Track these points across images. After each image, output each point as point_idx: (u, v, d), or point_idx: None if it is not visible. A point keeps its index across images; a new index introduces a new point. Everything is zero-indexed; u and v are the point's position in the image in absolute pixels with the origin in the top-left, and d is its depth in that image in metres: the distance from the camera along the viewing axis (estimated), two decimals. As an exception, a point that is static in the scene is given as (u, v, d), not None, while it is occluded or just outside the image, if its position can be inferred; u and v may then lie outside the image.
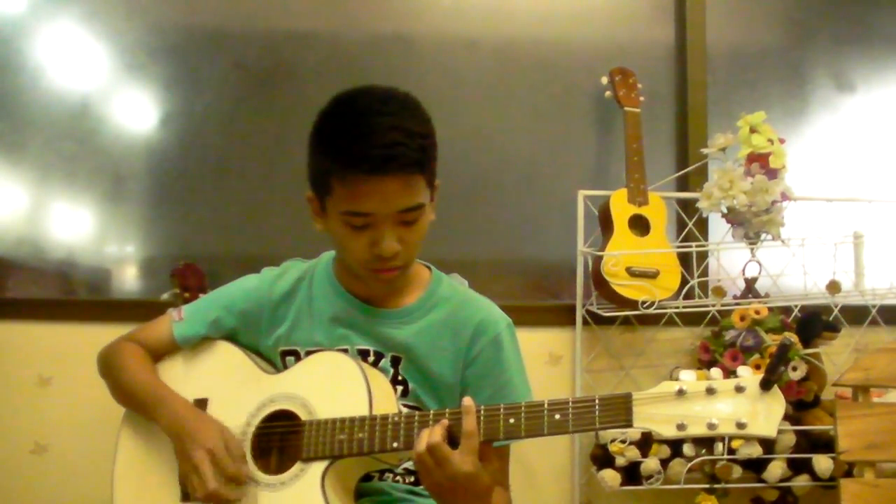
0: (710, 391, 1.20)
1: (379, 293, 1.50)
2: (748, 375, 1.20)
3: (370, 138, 1.33)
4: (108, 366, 1.59)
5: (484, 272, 2.36)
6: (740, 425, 1.17)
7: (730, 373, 2.02)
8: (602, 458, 2.11)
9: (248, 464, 1.41)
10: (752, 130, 2.12)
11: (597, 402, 1.26)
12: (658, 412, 1.21)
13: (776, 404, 1.18)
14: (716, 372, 1.24)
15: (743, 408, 1.18)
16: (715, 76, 2.50)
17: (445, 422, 1.30)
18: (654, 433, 1.21)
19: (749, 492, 2.16)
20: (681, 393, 1.20)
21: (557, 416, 1.27)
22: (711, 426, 1.18)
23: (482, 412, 1.30)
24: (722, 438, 1.97)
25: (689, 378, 1.23)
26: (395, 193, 1.35)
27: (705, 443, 2.01)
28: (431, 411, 1.36)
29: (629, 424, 1.22)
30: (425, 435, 1.29)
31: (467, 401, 1.30)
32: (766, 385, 1.18)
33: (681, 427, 1.19)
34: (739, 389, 1.19)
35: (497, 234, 2.44)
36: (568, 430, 1.27)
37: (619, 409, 1.24)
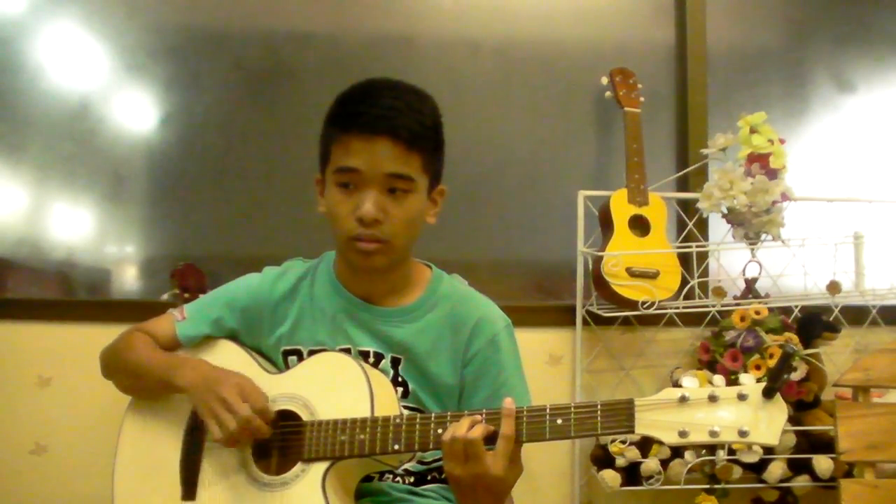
0: (713, 398, 1.20)
1: (374, 280, 1.50)
2: (751, 383, 1.20)
3: (370, 104, 1.40)
4: (117, 352, 1.59)
5: (484, 272, 2.36)
6: (742, 433, 1.17)
7: (730, 373, 2.03)
8: (602, 458, 2.11)
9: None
10: (753, 131, 2.12)
11: (599, 407, 1.26)
12: (660, 419, 1.21)
13: (778, 412, 1.18)
14: (718, 379, 1.24)
15: (745, 416, 1.18)
16: (715, 76, 2.50)
17: (490, 427, 1.29)
18: (656, 440, 1.21)
19: (749, 492, 2.16)
20: (683, 400, 1.20)
21: (559, 421, 1.28)
22: (713, 434, 1.18)
23: (483, 415, 1.30)
24: (723, 443, 1.97)
25: (691, 384, 1.23)
26: (382, 155, 1.39)
27: (707, 444, 2.01)
28: (433, 414, 1.36)
29: (631, 431, 1.23)
30: (466, 423, 1.28)
31: (509, 402, 1.30)
32: (768, 393, 1.18)
33: (683, 434, 1.19)
34: (742, 397, 1.19)
35: (497, 235, 2.44)
36: (570, 435, 1.28)
37: (622, 416, 1.24)
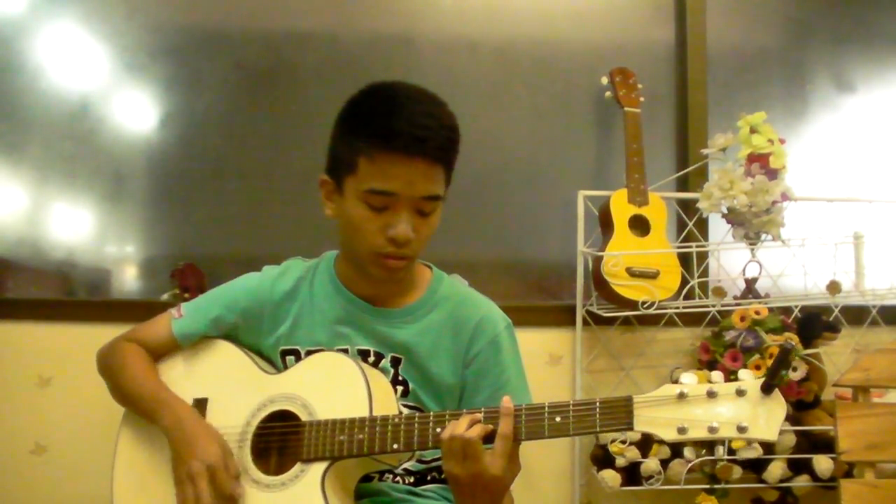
0: (711, 395, 1.20)
1: (380, 284, 1.50)
2: (749, 379, 1.20)
3: (406, 118, 1.37)
4: (108, 366, 1.59)
5: (484, 272, 2.36)
6: (741, 429, 1.17)
7: (730, 373, 2.03)
8: (602, 458, 2.11)
9: (243, 476, 1.41)
10: (753, 131, 2.12)
11: (598, 404, 1.26)
12: (659, 415, 1.21)
13: (777, 408, 1.18)
14: (717, 375, 1.24)
15: (744, 411, 1.18)
16: (715, 76, 2.50)
17: (489, 427, 1.29)
18: (655, 437, 1.21)
19: (749, 492, 2.16)
20: (682, 396, 1.20)
21: (558, 419, 1.27)
22: (712, 430, 1.18)
23: (482, 414, 1.30)
24: (722, 440, 1.97)
25: (690, 381, 1.23)
26: (419, 178, 1.37)
27: (705, 443, 2.01)
28: (431, 413, 1.36)
29: (630, 427, 1.23)
30: (465, 422, 1.28)
31: (507, 401, 1.30)
32: (767, 389, 1.18)
33: (682, 430, 1.19)
34: (740, 393, 1.19)
35: (497, 234, 2.44)
36: (569, 432, 1.28)
37: (620, 412, 1.24)
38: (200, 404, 1.50)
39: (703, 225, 2.35)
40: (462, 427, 1.28)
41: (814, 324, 2.09)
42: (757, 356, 2.04)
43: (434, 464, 1.52)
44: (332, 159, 1.46)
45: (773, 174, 2.08)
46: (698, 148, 2.35)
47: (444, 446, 1.29)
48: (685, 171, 2.40)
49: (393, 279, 1.48)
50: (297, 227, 2.30)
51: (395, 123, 1.36)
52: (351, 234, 1.45)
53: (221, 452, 1.40)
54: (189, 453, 1.38)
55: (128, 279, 2.38)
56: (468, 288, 1.62)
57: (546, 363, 2.29)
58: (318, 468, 1.37)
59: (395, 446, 1.34)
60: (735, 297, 2.21)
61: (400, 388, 1.49)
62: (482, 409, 1.32)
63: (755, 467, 2.06)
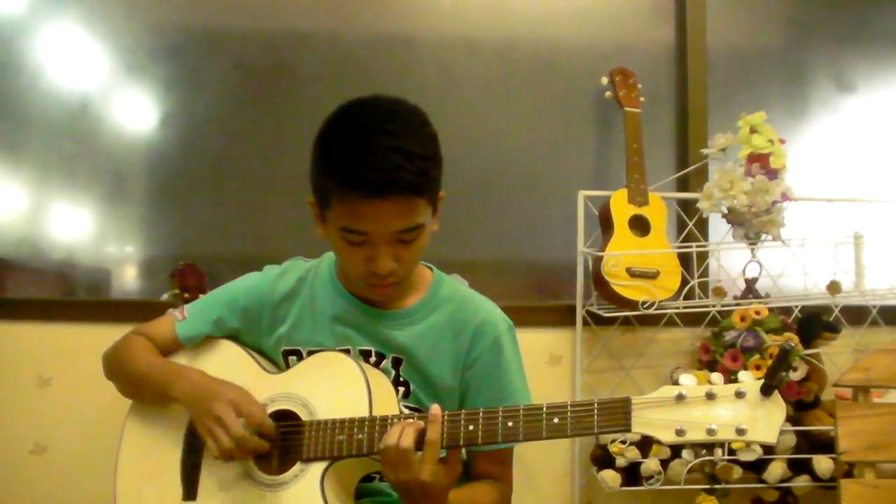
0: (710, 396, 1.19)
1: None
2: (749, 381, 1.20)
3: (369, 160, 1.31)
4: (117, 358, 1.59)
5: (484, 272, 2.36)
6: (740, 431, 1.16)
7: (730, 373, 2.03)
8: (602, 458, 2.11)
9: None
10: (753, 131, 2.12)
11: (595, 406, 1.25)
12: (657, 417, 1.20)
13: (777, 410, 1.17)
14: (716, 377, 1.23)
15: (743, 413, 1.17)
16: (715, 76, 2.50)
17: (420, 424, 1.30)
18: (653, 438, 1.21)
19: (749, 492, 2.16)
20: (680, 398, 1.20)
21: (556, 420, 1.27)
22: (711, 432, 1.17)
23: (481, 415, 1.30)
24: (721, 442, 1.97)
25: (689, 382, 1.22)
26: (392, 216, 1.34)
27: (705, 443, 2.01)
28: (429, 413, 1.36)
29: (628, 429, 1.22)
30: (397, 432, 1.29)
31: (434, 409, 1.31)
32: (766, 391, 1.17)
33: (680, 432, 1.18)
34: (739, 395, 1.18)
35: (497, 235, 2.44)
36: (566, 434, 1.27)
37: (618, 414, 1.23)
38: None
39: (703, 225, 2.35)
40: (393, 437, 1.29)
41: (814, 324, 2.09)
42: (757, 356, 2.04)
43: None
44: (313, 185, 1.43)
45: (773, 174, 2.08)
46: (698, 148, 2.35)
47: (381, 455, 1.31)
48: (685, 171, 2.40)
49: (385, 300, 1.49)
50: (297, 226, 2.30)
51: (361, 168, 1.30)
52: (339, 259, 1.48)
53: (241, 389, 1.41)
54: (210, 400, 1.39)
55: (128, 279, 2.38)
56: (469, 289, 1.61)
57: (546, 363, 2.29)
58: (318, 468, 1.37)
59: (395, 446, 1.34)
60: (735, 297, 2.21)
61: (401, 390, 1.49)
62: (415, 415, 1.33)
63: (755, 467, 2.06)
